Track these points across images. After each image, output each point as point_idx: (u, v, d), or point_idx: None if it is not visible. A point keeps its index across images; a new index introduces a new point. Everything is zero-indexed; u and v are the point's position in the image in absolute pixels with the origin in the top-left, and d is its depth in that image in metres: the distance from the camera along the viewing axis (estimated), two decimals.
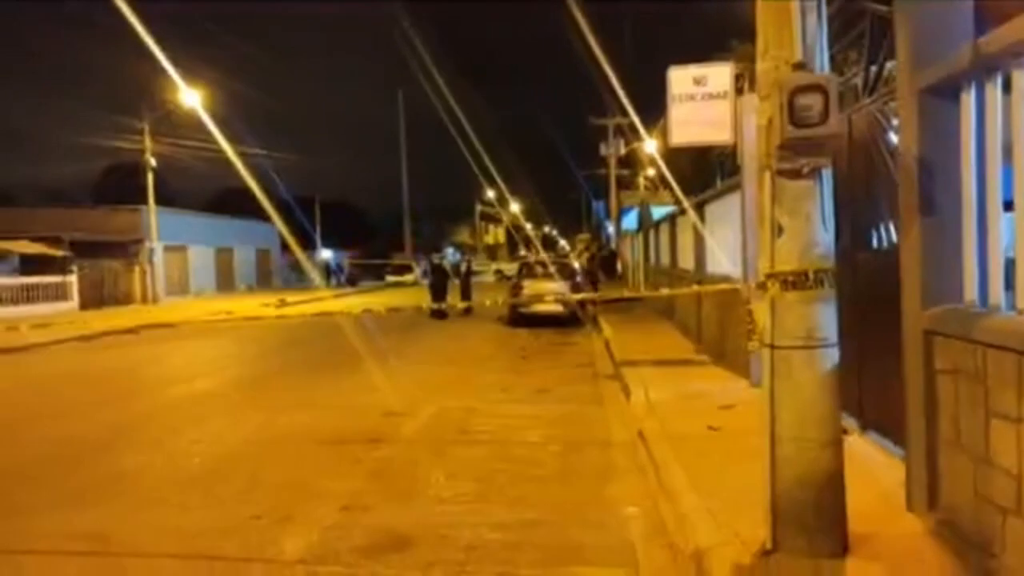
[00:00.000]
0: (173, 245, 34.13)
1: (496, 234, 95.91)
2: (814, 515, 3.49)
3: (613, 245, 37.47)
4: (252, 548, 4.36)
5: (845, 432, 4.34)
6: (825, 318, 3.46)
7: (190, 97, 24.93)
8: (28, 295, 24.81)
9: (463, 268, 23.65)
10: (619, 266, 27.18)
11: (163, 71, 16.02)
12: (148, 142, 30.19)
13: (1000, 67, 3.21)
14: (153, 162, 30.52)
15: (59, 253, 27.04)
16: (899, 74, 4.05)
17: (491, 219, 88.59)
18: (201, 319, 20.97)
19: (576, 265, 25.26)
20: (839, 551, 3.51)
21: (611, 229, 42.38)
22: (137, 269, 31.25)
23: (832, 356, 3.48)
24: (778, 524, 3.54)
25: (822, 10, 3.44)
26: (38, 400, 10.03)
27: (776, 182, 3.44)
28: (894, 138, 4.50)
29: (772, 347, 3.52)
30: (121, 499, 5.37)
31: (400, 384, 9.91)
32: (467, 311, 20.76)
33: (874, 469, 4.75)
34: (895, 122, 4.40)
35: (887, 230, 4.96)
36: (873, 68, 5.44)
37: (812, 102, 3.14)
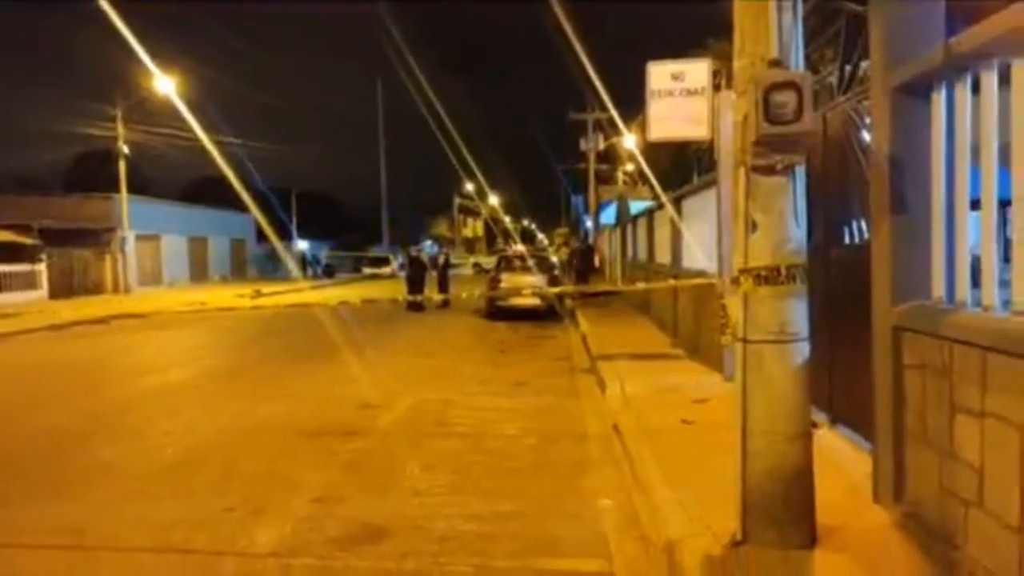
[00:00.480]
0: (146, 234, 33.61)
1: (475, 227, 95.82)
2: (783, 507, 3.55)
3: (591, 240, 37.57)
4: (224, 540, 4.33)
5: (815, 426, 4.42)
6: (797, 313, 3.51)
7: (165, 84, 24.53)
8: None
9: (440, 260, 23.58)
10: (597, 260, 27.27)
11: (137, 58, 15.73)
12: (120, 129, 29.67)
13: (970, 68, 3.27)
14: (126, 149, 30.00)
15: (28, 241, 26.51)
16: (872, 72, 4.11)
17: (470, 212, 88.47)
18: (174, 309, 20.73)
19: (555, 259, 25.33)
20: (807, 543, 3.57)
21: (589, 223, 42.50)
22: (108, 258, 30.75)
23: (803, 350, 3.54)
24: (748, 516, 3.60)
25: (798, 8, 3.48)
26: (9, 391, 9.85)
27: (751, 178, 3.48)
28: (867, 136, 4.57)
29: (744, 341, 3.57)
30: (95, 491, 5.31)
31: (377, 376, 9.88)
32: (444, 304, 20.75)
33: (843, 462, 4.83)
34: (868, 120, 4.46)
35: (859, 227, 5.04)
36: (848, 67, 5.51)
37: (787, 99, 3.18)
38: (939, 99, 3.53)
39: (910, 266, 3.77)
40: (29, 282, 25.99)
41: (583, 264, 25.05)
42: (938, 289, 3.64)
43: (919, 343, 3.62)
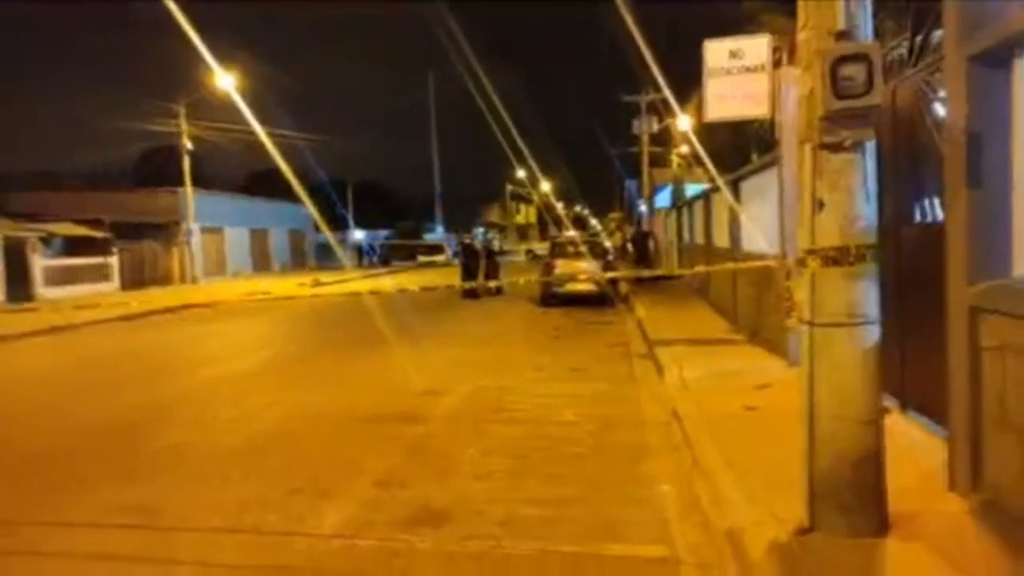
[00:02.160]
0: (210, 227, 34.69)
1: (527, 213, 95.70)
2: (853, 495, 3.45)
3: (645, 225, 37.10)
4: (292, 521, 4.46)
5: (885, 411, 4.27)
6: (867, 295, 3.39)
7: (225, 81, 25.19)
8: (71, 276, 25.48)
9: (483, 248, 23.35)
10: (652, 246, 26.87)
11: (198, 55, 16.15)
12: (184, 125, 30.63)
13: None
14: (189, 145, 30.98)
15: (100, 235, 27.67)
16: (946, 41, 3.92)
17: (522, 199, 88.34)
18: (239, 299, 21.34)
19: (608, 245, 25.06)
20: (879, 531, 3.47)
21: (643, 208, 41.97)
22: (175, 250, 31.87)
23: (873, 333, 3.42)
24: (816, 503, 3.51)
25: None
26: (84, 379, 10.33)
27: (818, 155, 3.36)
28: (941, 110, 4.36)
29: (812, 324, 3.47)
30: (168, 473, 5.53)
31: (434, 363, 9.99)
32: (497, 291, 20.68)
33: (914, 448, 4.67)
34: (941, 93, 4.26)
35: (931, 204, 4.83)
36: (918, 38, 5.28)
37: (855, 72, 3.06)
38: (1021, 66, 3.35)
39: (988, 244, 3.60)
40: (102, 274, 27.16)
41: (639, 250, 24.48)
42: (1020, 267, 3.47)
43: (998, 324, 3.46)
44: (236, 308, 19.52)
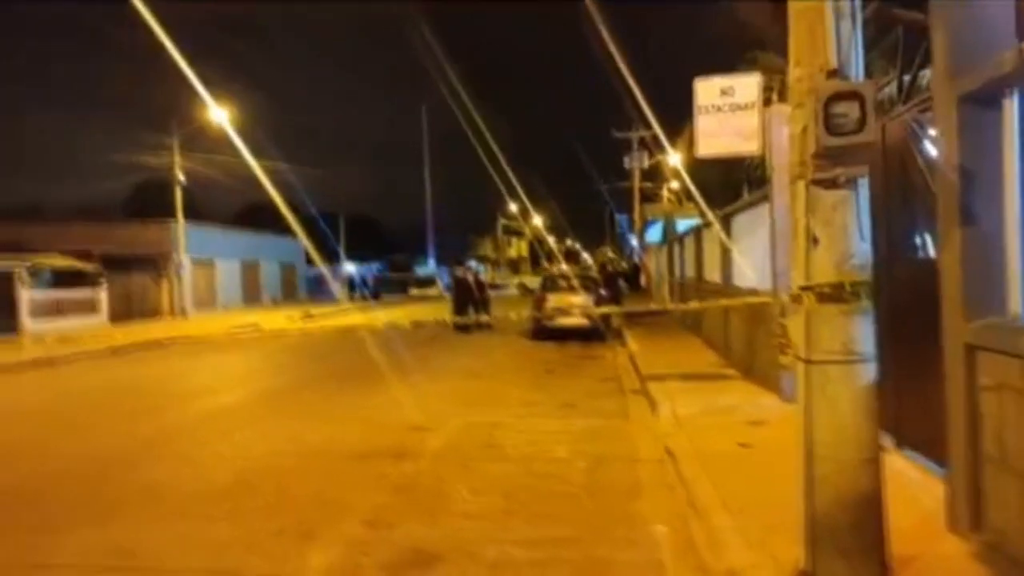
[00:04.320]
0: (201, 259, 34.54)
1: (519, 247, 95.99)
2: (852, 536, 3.37)
3: (637, 258, 37.26)
4: (276, 563, 4.33)
5: (882, 449, 4.21)
6: (862, 331, 3.36)
7: (218, 114, 25.32)
8: (59, 309, 25.22)
9: (471, 280, 22.48)
10: (643, 279, 26.92)
11: (192, 89, 16.23)
12: (177, 158, 30.69)
13: None
14: (182, 177, 30.99)
15: (89, 267, 27.47)
16: (935, 81, 3.95)
17: (514, 232, 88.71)
18: (228, 333, 21.15)
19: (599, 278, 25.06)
20: (879, 574, 3.38)
21: (635, 242, 42.19)
22: (165, 283, 31.67)
23: (870, 371, 3.38)
24: (815, 545, 3.43)
25: (856, 16, 3.36)
26: (68, 413, 10.14)
27: (811, 192, 3.35)
28: (930, 147, 4.39)
29: (807, 362, 3.42)
30: (149, 512, 5.37)
31: (425, 398, 9.87)
32: (485, 326, 20.12)
33: (912, 488, 4.60)
34: (931, 130, 4.29)
35: (924, 241, 4.84)
36: (907, 76, 5.34)
37: (848, 110, 3.06)
38: (1011, 106, 3.37)
39: (983, 282, 3.59)
40: (90, 307, 26.89)
41: (611, 289, 22.94)
42: (1014, 305, 3.45)
43: (996, 362, 3.42)
44: (226, 342, 19.33)
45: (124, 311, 28.49)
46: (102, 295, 27.56)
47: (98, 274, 27.63)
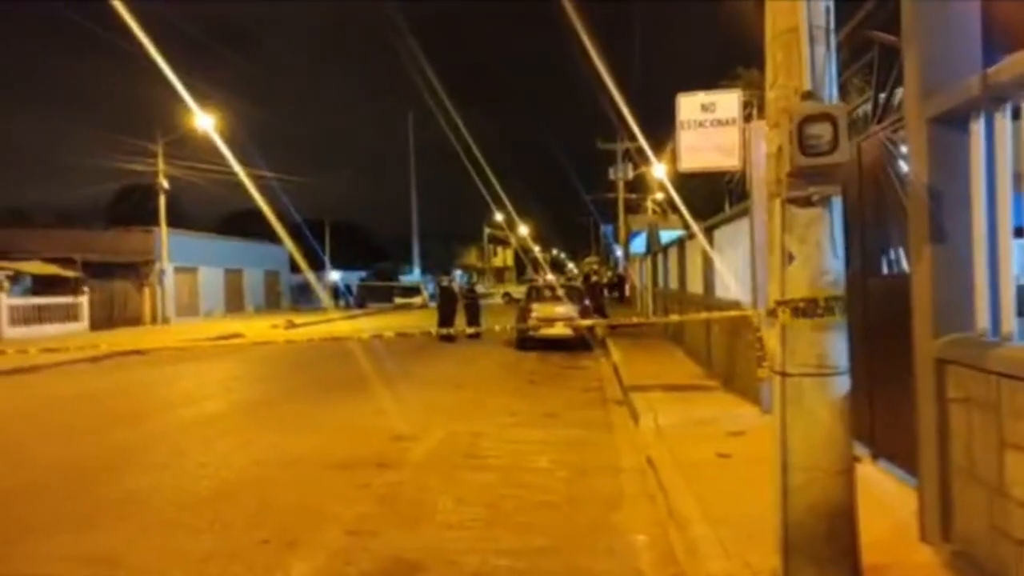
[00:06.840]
0: (184, 266, 34.33)
1: (505, 256, 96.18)
2: (826, 545, 3.44)
3: (621, 269, 37.46)
4: (258, 572, 4.34)
5: (856, 460, 4.30)
6: (836, 345, 3.45)
7: (204, 121, 25.27)
8: (40, 316, 24.97)
9: (464, 290, 22.73)
10: (627, 289, 27.09)
11: (177, 95, 16.23)
12: (161, 164, 30.53)
13: (1009, 97, 3.23)
14: (166, 184, 30.83)
15: (71, 274, 27.23)
16: (907, 103, 4.07)
17: (499, 242, 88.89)
18: (210, 342, 21.03)
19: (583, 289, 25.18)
20: None
21: (620, 253, 42.41)
22: (148, 290, 31.42)
23: (843, 383, 3.47)
24: (789, 554, 3.50)
25: (831, 40, 3.47)
26: (49, 421, 10.06)
27: (786, 209, 3.45)
28: (903, 165, 4.51)
29: (783, 374, 3.51)
30: (130, 521, 5.36)
31: (408, 408, 9.89)
32: (475, 336, 20.18)
33: (886, 498, 4.70)
34: (904, 149, 4.41)
35: (896, 256, 4.96)
36: (881, 96, 5.48)
37: (821, 131, 3.16)
38: (978, 128, 3.49)
39: (952, 297, 3.70)
40: (71, 314, 26.63)
41: (595, 300, 23.03)
42: (982, 321, 3.55)
43: (964, 376, 3.53)
44: (208, 351, 19.21)
45: (106, 318, 28.23)
46: (83, 302, 27.31)
47: (80, 281, 27.39)
